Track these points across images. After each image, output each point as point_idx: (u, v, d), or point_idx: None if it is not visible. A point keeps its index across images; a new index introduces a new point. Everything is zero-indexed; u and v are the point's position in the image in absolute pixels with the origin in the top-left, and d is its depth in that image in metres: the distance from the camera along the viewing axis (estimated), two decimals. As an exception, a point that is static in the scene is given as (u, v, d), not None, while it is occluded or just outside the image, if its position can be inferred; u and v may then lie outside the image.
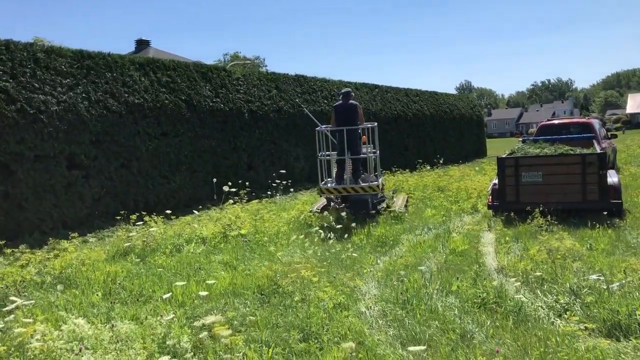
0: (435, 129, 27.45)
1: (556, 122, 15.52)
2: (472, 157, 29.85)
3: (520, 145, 11.20)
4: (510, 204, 9.71)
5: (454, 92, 64.14)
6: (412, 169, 19.69)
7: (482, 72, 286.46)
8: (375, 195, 10.90)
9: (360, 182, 10.63)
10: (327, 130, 11.13)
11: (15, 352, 3.88)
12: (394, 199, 11.73)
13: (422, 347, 3.05)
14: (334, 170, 11.24)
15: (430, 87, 43.44)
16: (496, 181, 10.10)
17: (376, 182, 10.68)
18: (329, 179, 11.21)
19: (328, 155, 11.33)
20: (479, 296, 5.20)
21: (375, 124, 11.27)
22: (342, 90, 11.27)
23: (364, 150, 11.23)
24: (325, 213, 10.62)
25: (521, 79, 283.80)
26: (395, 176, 17.03)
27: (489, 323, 4.60)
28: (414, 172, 18.73)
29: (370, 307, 5.25)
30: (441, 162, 21.40)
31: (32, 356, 3.81)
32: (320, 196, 11.45)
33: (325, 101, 19.91)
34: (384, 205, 11.13)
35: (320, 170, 10.95)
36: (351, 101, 10.95)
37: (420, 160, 20.38)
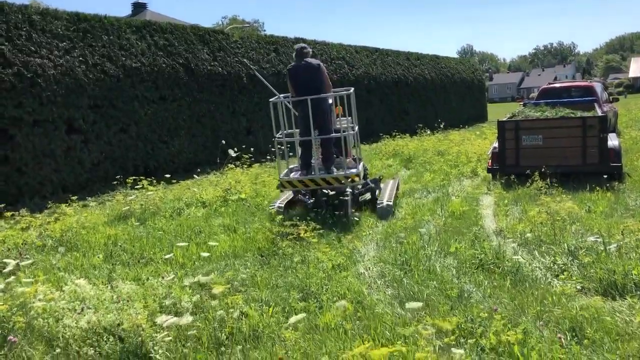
0: (436, 93, 27.24)
1: (558, 85, 15.39)
2: (473, 121, 29.70)
3: (521, 108, 11.13)
4: (510, 167, 9.70)
5: (456, 56, 63.32)
6: (412, 133, 19.61)
7: (484, 36, 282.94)
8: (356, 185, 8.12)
9: (334, 171, 7.82)
10: (289, 102, 8.18)
11: (18, 312, 3.92)
12: (381, 187, 8.74)
13: (419, 304, 3.08)
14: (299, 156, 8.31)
15: (431, 51, 42.82)
16: (496, 145, 10.08)
17: (355, 170, 7.85)
18: (294, 167, 8.52)
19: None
20: (477, 257, 5.24)
21: (352, 89, 8.16)
22: (296, 46, 8.11)
23: (337, 126, 8.29)
24: (296, 208, 8.15)
25: (523, 43, 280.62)
26: (395, 141, 16.98)
27: (486, 283, 4.64)
28: (414, 137, 18.66)
29: (369, 268, 5.30)
30: (442, 126, 21.29)
31: (35, 315, 3.85)
32: (281, 191, 8.32)
33: (325, 65, 19.68)
34: (367, 196, 8.48)
35: (282, 156, 8.38)
36: (309, 60, 7.87)
37: (421, 125, 20.28)
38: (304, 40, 19.21)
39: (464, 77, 30.94)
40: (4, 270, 4.74)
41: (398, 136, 17.74)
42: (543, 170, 8.57)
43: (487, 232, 6.48)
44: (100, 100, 11.89)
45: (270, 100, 7.96)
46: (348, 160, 8.16)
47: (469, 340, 3.49)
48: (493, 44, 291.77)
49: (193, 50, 14.49)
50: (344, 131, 8.02)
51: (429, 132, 19.70)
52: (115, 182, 10.68)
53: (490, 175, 10.21)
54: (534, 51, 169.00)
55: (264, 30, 71.71)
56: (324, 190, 7.88)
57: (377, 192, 8.43)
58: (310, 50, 8.23)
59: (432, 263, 5.25)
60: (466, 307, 4.01)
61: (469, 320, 3.70)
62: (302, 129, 7.93)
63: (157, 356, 3.40)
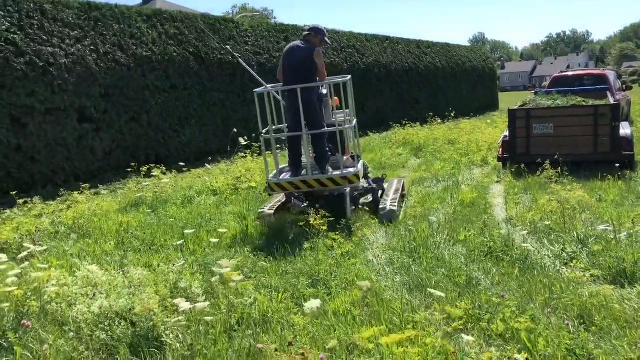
0: (447, 81, 27.09)
1: (570, 74, 15.25)
2: (484, 110, 29.53)
3: (532, 97, 11.05)
4: (520, 156, 9.65)
5: (467, 44, 62.85)
6: (423, 122, 19.54)
7: (496, 25, 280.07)
8: (356, 186, 7.06)
9: (330, 171, 6.83)
10: (278, 92, 7.16)
11: (33, 297, 4.00)
12: (385, 187, 7.84)
13: (442, 294, 3.11)
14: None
15: (443, 40, 42.60)
16: (507, 133, 10.03)
17: (354, 169, 6.83)
18: (285, 167, 7.42)
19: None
20: (486, 245, 5.25)
21: (349, 77, 7.24)
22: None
23: (332, 119, 7.19)
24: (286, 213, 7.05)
25: (536, 31, 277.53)
26: (405, 129, 16.93)
27: (495, 271, 4.65)
28: (424, 126, 18.60)
29: (378, 255, 5.32)
30: (452, 115, 21.20)
31: (48, 300, 3.92)
32: (270, 194, 7.40)
33: (335, 53, 19.64)
34: (368, 198, 7.42)
35: (274, 156, 7.04)
36: (303, 44, 6.83)
37: (431, 114, 20.20)
38: (314, 29, 19.14)
39: (475, 66, 30.72)
40: (19, 256, 4.82)
41: (408, 125, 17.69)
42: (554, 159, 8.53)
43: (497, 221, 6.47)
44: (112, 89, 11.96)
45: (255, 90, 6.85)
46: (345, 158, 7.07)
47: (476, 327, 3.51)
48: (505, 32, 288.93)
49: (203, 39, 14.50)
50: (340, 125, 6.89)
51: (439, 120, 19.63)
52: (129, 170, 10.76)
53: (500, 164, 10.17)
54: (546, 39, 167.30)
55: (275, 19, 71.47)
56: (323, 193, 7.03)
57: (380, 193, 7.57)
58: (323, 37, 7.00)
59: (441, 251, 5.27)
60: (474, 294, 4.03)
61: (477, 307, 3.72)
62: (289, 122, 6.96)
63: (169, 340, 3.45)
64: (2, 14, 10.11)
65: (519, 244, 5.26)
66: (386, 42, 23.30)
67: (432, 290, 3.08)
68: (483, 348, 3.27)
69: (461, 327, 3.33)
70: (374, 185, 7.63)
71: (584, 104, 9.71)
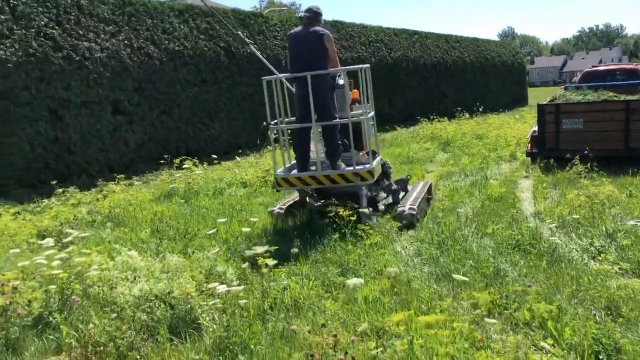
0: (476, 76, 26.90)
1: (601, 68, 15.05)
2: (512, 105, 29.21)
3: (562, 92, 10.97)
4: (549, 151, 9.61)
5: (496, 39, 61.96)
6: (451, 117, 19.46)
7: (526, 19, 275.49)
8: (371, 184, 6.46)
9: (342, 166, 6.29)
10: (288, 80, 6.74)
11: (76, 280, 4.20)
12: (409, 189, 7.31)
13: (466, 278, 3.21)
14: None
15: (472, 34, 42.16)
16: (536, 128, 9.99)
17: (369, 165, 6.22)
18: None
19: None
20: (514, 238, 5.30)
21: (367, 65, 6.70)
22: (306, 9, 6.62)
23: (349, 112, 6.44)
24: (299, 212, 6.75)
25: (567, 25, 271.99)
26: (433, 124, 16.91)
27: (522, 263, 4.71)
28: (452, 120, 18.52)
29: (406, 247, 5.42)
30: (480, 110, 21.03)
31: (90, 283, 4.12)
32: (278, 191, 6.90)
33: (363, 47, 19.68)
34: (387, 200, 6.97)
35: (281, 148, 6.72)
36: (314, 28, 6.29)
37: (460, 108, 20.10)
38: (341, 23, 19.23)
39: (504, 60, 30.41)
40: (64, 240, 5.04)
41: (436, 119, 17.65)
42: (584, 154, 8.49)
43: (525, 215, 6.50)
44: (144, 82, 12.24)
45: (264, 78, 6.46)
46: (360, 154, 6.51)
47: (503, 315, 3.59)
48: (535, 26, 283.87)
49: (233, 33, 14.69)
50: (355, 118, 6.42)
51: (467, 115, 19.52)
52: (162, 162, 11.01)
53: (529, 159, 10.14)
54: (578, 33, 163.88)
55: (302, 12, 71.55)
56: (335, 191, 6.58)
57: (403, 195, 7.06)
58: (321, 14, 6.53)
59: (469, 243, 5.33)
60: (501, 285, 4.10)
61: (504, 297, 3.80)
62: (297, 113, 6.49)
63: (205, 322, 3.61)
64: (41, 9, 10.44)
65: (546, 238, 5.30)
66: (414, 37, 23.24)
67: (456, 276, 3.17)
68: (509, 334, 3.35)
69: (485, 313, 3.41)
70: (395, 186, 7.12)
71: (615, 99, 9.62)
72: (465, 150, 12.37)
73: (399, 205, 6.46)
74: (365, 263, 4.77)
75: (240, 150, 13.24)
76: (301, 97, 6.28)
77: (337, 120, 6.30)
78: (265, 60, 7.42)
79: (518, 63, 32.86)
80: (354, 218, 5.55)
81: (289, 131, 6.69)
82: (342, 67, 6.53)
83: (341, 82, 6.58)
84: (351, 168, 6.17)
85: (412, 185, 7.61)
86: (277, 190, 6.84)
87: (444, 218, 6.33)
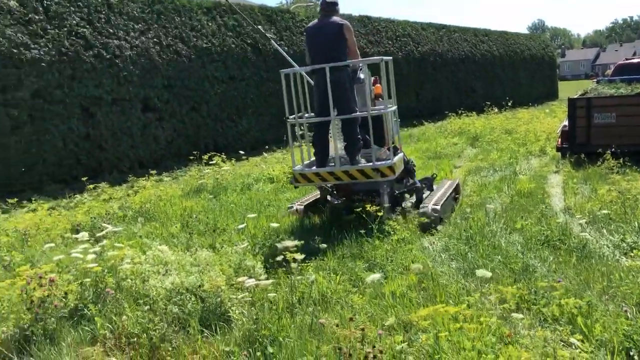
0: (504, 70, 26.56)
1: (635, 61, 14.70)
2: (542, 99, 28.77)
3: (594, 86, 10.77)
4: (580, 146, 9.46)
5: (526, 32, 60.94)
6: (479, 111, 19.27)
7: (556, 11, 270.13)
8: (393, 181, 6.31)
9: (360, 162, 6.10)
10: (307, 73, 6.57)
11: (109, 273, 4.31)
12: (434, 188, 7.07)
13: (489, 274, 3.20)
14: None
15: (501, 27, 41.69)
16: (566, 123, 9.83)
17: (389, 161, 5.94)
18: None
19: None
20: (543, 234, 5.25)
21: (390, 58, 6.40)
22: None
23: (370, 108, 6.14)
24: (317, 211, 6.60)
25: (600, 17, 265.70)
26: (461, 119, 16.77)
27: (551, 259, 4.67)
28: (481, 115, 18.35)
29: (434, 242, 5.42)
30: (510, 104, 20.76)
31: (123, 276, 4.23)
32: (295, 187, 6.93)
33: (390, 42, 19.60)
34: (411, 199, 6.68)
35: (294, 142, 6.53)
36: (333, 18, 6.11)
37: (488, 103, 19.87)
38: (368, 18, 19.16)
39: (533, 54, 29.94)
40: (98, 235, 5.17)
41: (464, 114, 17.50)
42: (616, 149, 8.34)
43: (555, 210, 6.43)
44: (173, 80, 12.41)
45: (282, 70, 6.32)
46: (382, 150, 6.27)
47: (531, 310, 3.58)
48: (567, 18, 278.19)
49: (254, 28, 14.76)
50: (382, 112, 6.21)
51: (496, 110, 19.31)
52: (191, 158, 11.17)
53: (559, 154, 9.99)
54: (611, 25, 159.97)
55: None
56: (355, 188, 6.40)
57: (427, 194, 6.83)
58: (338, 8, 6.30)
59: (497, 239, 5.30)
60: (530, 281, 4.08)
61: (532, 292, 3.78)
62: (316, 107, 6.30)
63: (235, 315, 3.67)
64: (73, 9, 10.66)
65: (576, 233, 5.24)
66: (442, 31, 23.04)
67: (479, 272, 3.17)
68: (538, 330, 3.34)
69: (513, 308, 3.40)
70: (419, 184, 6.86)
71: (649, 92, 9.42)
72: (494, 145, 12.25)
73: (421, 205, 6.20)
74: (393, 258, 4.78)
75: (267, 146, 13.34)
76: (320, 90, 6.09)
77: (357, 114, 6.09)
78: (285, 54, 7.40)
79: (548, 56, 32.31)
80: (381, 214, 5.56)
81: (310, 126, 6.55)
82: (362, 59, 6.28)
83: (362, 76, 6.33)
84: (370, 164, 5.96)
85: (438, 184, 7.36)
86: (295, 187, 6.67)
87: (472, 214, 6.30)
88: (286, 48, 15.28)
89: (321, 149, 6.28)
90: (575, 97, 9.89)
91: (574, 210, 6.29)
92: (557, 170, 9.02)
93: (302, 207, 6.52)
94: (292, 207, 6.60)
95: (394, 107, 6.51)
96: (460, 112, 17.88)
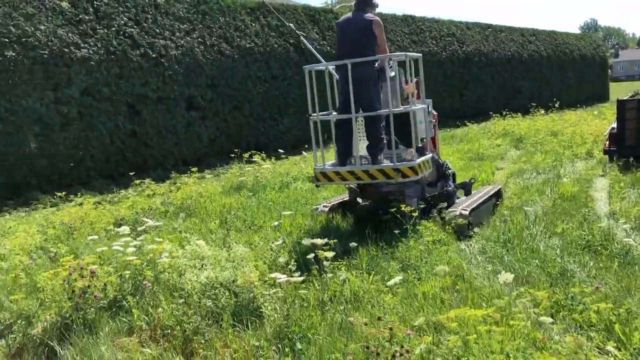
0: (552, 71, 25.89)
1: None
2: (592, 101, 27.92)
3: (646, 86, 10.40)
4: (629, 149, 9.14)
5: (578, 31, 59.21)
6: (524, 112, 18.86)
7: (610, 10, 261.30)
8: (423, 184, 6.25)
9: (382, 162, 5.85)
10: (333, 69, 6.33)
11: (148, 266, 4.43)
12: (471, 193, 6.80)
13: (511, 275, 3.15)
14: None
15: (551, 27, 40.53)
16: (615, 125, 9.53)
17: (412, 162, 5.65)
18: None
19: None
20: (584, 238, 5.11)
21: (420, 55, 6.16)
22: None
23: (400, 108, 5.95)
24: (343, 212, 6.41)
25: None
26: (505, 120, 16.46)
27: (591, 264, 4.54)
28: (526, 116, 17.96)
29: (471, 244, 5.34)
30: (557, 106, 20.23)
31: (161, 269, 4.34)
32: (317, 185, 6.73)
33: (434, 42, 19.40)
34: (441, 205, 6.07)
35: (316, 140, 6.18)
36: (364, 14, 5.90)
37: (534, 104, 19.43)
38: (412, 18, 19.01)
39: (583, 54, 29.07)
40: (139, 228, 5.33)
41: (509, 115, 17.16)
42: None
43: (598, 215, 6.25)
44: (217, 79, 12.63)
45: (305, 67, 6.19)
46: (408, 150, 5.93)
47: (568, 317, 3.49)
48: (621, 17, 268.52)
49: (303, 29, 14.87)
50: (409, 114, 5.87)
51: (542, 111, 18.86)
52: (232, 156, 11.34)
53: (606, 157, 9.69)
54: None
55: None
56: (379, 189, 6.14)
57: (462, 199, 6.56)
58: (373, 3, 6.08)
59: (536, 242, 5.19)
60: (567, 286, 3.98)
61: (569, 298, 3.69)
62: (338, 104, 6.15)
63: (267, 311, 3.72)
64: (122, 9, 10.98)
65: (620, 239, 5.07)
66: (488, 30, 22.64)
67: (501, 275, 3.11)
68: (572, 336, 3.26)
69: (544, 312, 3.33)
70: (450, 188, 6.49)
71: None
72: (539, 147, 11.98)
73: (450, 209, 5.91)
74: (427, 260, 4.74)
75: (307, 145, 13.40)
76: (342, 87, 5.92)
77: (380, 111, 5.83)
78: (315, 52, 7.22)
79: (599, 56, 31.32)
80: (415, 214, 5.52)
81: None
82: (387, 54, 5.94)
83: (392, 73, 6.00)
84: (392, 164, 5.70)
85: (478, 188, 7.11)
86: (317, 186, 6.49)
87: (512, 216, 6.18)
88: (329, 48, 15.34)
89: (343, 147, 6.08)
90: (625, 98, 9.57)
91: (619, 215, 6.09)
92: (604, 174, 8.75)
93: (327, 208, 6.35)
94: (317, 207, 6.47)
95: (422, 106, 6.12)
96: (505, 113, 17.56)
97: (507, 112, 17.73)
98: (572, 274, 4.31)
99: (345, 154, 6.06)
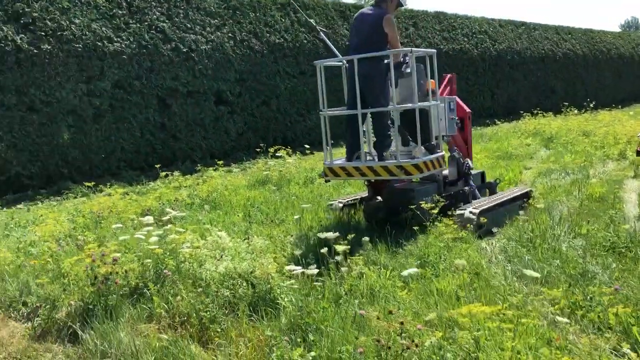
0: (588, 70, 25.33)
1: None
2: (629, 101, 27.23)
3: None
4: (662, 150, 8.90)
5: (617, 30, 57.70)
6: (557, 112, 18.52)
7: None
8: (440, 184, 6.24)
9: (388, 158, 5.80)
10: (345, 64, 6.30)
11: (170, 255, 4.52)
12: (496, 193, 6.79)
13: (537, 274, 3.12)
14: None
15: (589, 26, 39.65)
16: (649, 125, 9.30)
17: (416, 159, 5.61)
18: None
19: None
20: (609, 240, 5.02)
21: (434, 51, 6.05)
22: None
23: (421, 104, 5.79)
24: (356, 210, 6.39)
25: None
26: (536, 119, 16.20)
27: (614, 266, 4.46)
28: (558, 116, 17.63)
29: (492, 243, 5.30)
30: (591, 105, 19.80)
31: (182, 259, 4.42)
32: (326, 181, 6.60)
33: (465, 39, 19.18)
34: (463, 207, 5.82)
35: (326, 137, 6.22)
36: (380, 9, 5.87)
37: (567, 104, 19.05)
38: (444, 15, 18.83)
39: (621, 53, 28.35)
40: (164, 218, 5.43)
41: (540, 114, 16.88)
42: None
43: (627, 217, 6.12)
44: (246, 74, 12.74)
45: (315, 62, 6.28)
46: (417, 148, 5.80)
47: (585, 317, 3.45)
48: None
49: (333, 25, 14.89)
50: (425, 110, 5.80)
51: (575, 111, 18.49)
52: (258, 150, 11.45)
53: (639, 158, 9.46)
54: None
55: (404, 5, 70.56)
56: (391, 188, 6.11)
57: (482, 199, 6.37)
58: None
59: (559, 243, 5.12)
60: (587, 287, 3.93)
61: (587, 299, 3.64)
62: (348, 99, 6.10)
63: (283, 303, 3.77)
64: (154, 4, 11.17)
65: (646, 241, 4.96)
66: (521, 28, 22.28)
67: (526, 271, 3.09)
68: (590, 338, 3.22)
69: (559, 312, 3.30)
70: (468, 189, 6.33)
71: None
72: (569, 148, 11.76)
73: (460, 208, 5.76)
74: (446, 257, 4.73)
75: (332, 141, 13.41)
76: (350, 82, 5.90)
77: (383, 108, 5.82)
78: (332, 46, 7.19)
79: (638, 55, 30.50)
80: (435, 211, 5.50)
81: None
82: (391, 50, 5.81)
83: (408, 70, 5.90)
84: (395, 161, 5.63)
85: (505, 189, 6.98)
86: (326, 181, 6.58)
87: (537, 217, 6.10)
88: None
89: (351, 143, 6.07)
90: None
91: (647, 217, 5.96)
92: (635, 175, 8.55)
93: (341, 204, 6.36)
94: (332, 203, 6.50)
95: (435, 103, 5.95)
96: (536, 112, 17.27)
97: (539, 111, 17.44)
98: (593, 275, 4.24)
99: (352, 150, 6.05)
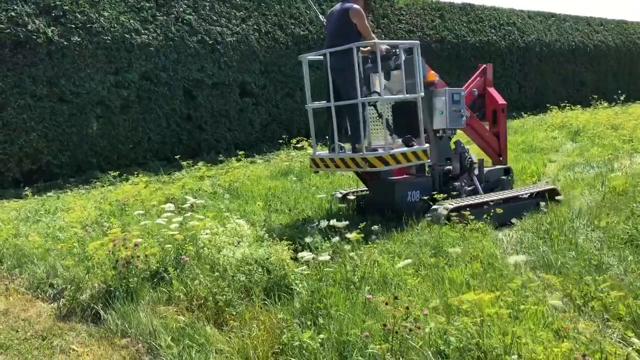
0: (620, 62, 24.74)
1: None
2: (663, 94, 26.53)
3: None
4: (691, 144, 8.74)
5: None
6: (586, 105, 18.20)
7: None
8: (433, 176, 6.28)
9: (361, 151, 5.73)
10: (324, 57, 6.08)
11: (190, 241, 4.66)
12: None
13: (523, 257, 3.16)
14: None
15: (623, 17, 38.63)
16: (677, 119, 9.12)
17: (383, 152, 5.71)
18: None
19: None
20: (628, 232, 4.99)
21: (418, 42, 5.97)
22: None
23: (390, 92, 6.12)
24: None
25: None
26: (564, 112, 15.97)
27: (630, 258, 4.44)
28: (587, 109, 17.34)
29: (509, 234, 5.32)
30: (622, 99, 19.37)
31: (201, 245, 4.56)
32: (316, 172, 6.78)
33: (493, 31, 18.96)
34: (441, 202, 5.75)
35: (331, 130, 6.22)
36: (347, 4, 5.89)
37: (596, 96, 18.68)
38: (470, 6, 18.64)
39: (656, 45, 27.61)
40: (184, 205, 5.58)
41: (567, 108, 16.62)
42: None
43: (649, 210, 6.04)
44: (270, 66, 12.85)
45: (301, 57, 6.48)
46: (397, 141, 5.99)
47: (594, 308, 3.47)
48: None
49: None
50: (413, 102, 5.82)
51: (605, 104, 18.14)
52: (280, 142, 11.58)
53: (668, 152, 9.30)
54: None
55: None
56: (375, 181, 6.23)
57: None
58: None
59: (577, 235, 5.11)
60: (599, 278, 3.93)
61: (599, 290, 3.65)
62: (326, 95, 6.14)
63: (297, 288, 3.88)
64: (181, -4, 11.34)
65: (665, 234, 4.92)
66: (551, 19, 21.89)
67: (515, 255, 3.12)
68: (600, 329, 3.25)
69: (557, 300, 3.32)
70: (457, 184, 6.29)
71: None
72: (596, 141, 11.58)
73: (437, 203, 5.69)
74: (461, 247, 4.76)
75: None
76: (325, 77, 6.02)
77: (351, 101, 5.80)
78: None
79: (673, 48, 29.68)
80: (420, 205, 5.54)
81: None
82: (361, 41, 5.77)
83: (398, 61, 5.97)
84: (369, 153, 5.68)
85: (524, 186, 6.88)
86: (315, 172, 6.68)
87: (556, 209, 6.08)
88: (383, 36, 15.29)
89: (330, 134, 6.18)
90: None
91: (671, 211, 5.88)
92: (662, 169, 8.41)
93: (340, 195, 6.52)
94: (335, 193, 6.69)
95: (418, 95, 5.87)
96: (564, 105, 17.02)
97: (567, 105, 17.17)
98: (608, 267, 4.24)
99: (330, 141, 6.21)
